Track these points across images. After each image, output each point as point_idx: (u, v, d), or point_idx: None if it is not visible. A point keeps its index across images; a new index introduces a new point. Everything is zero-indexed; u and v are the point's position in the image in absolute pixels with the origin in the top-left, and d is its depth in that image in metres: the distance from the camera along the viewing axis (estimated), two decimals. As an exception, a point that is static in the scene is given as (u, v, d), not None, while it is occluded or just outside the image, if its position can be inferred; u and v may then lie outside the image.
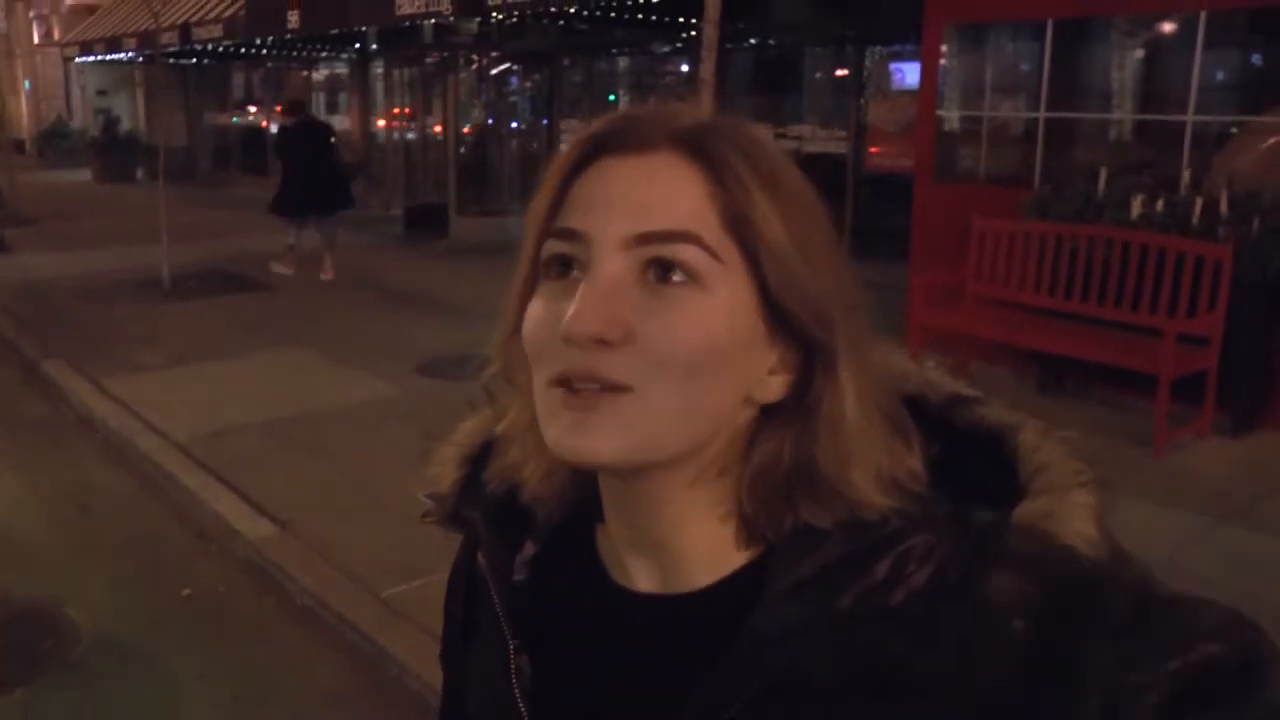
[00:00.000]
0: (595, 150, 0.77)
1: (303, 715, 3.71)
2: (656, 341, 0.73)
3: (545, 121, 15.05)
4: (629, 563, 0.87)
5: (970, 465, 0.81)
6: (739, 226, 0.75)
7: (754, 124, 0.82)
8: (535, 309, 0.78)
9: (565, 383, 0.75)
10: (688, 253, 0.74)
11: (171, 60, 19.96)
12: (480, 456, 0.94)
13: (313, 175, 10.81)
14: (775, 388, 0.79)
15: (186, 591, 4.56)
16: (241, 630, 4.26)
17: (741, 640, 0.77)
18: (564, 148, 0.80)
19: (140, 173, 21.36)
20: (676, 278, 0.74)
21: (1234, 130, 6.77)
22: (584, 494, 0.89)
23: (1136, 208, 6.37)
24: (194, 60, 21.40)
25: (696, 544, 0.83)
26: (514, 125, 15.74)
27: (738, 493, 0.81)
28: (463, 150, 14.99)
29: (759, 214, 0.75)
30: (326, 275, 10.98)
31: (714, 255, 0.74)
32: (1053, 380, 6.54)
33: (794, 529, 0.78)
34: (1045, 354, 6.36)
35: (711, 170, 0.75)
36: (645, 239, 0.74)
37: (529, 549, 0.92)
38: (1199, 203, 6.14)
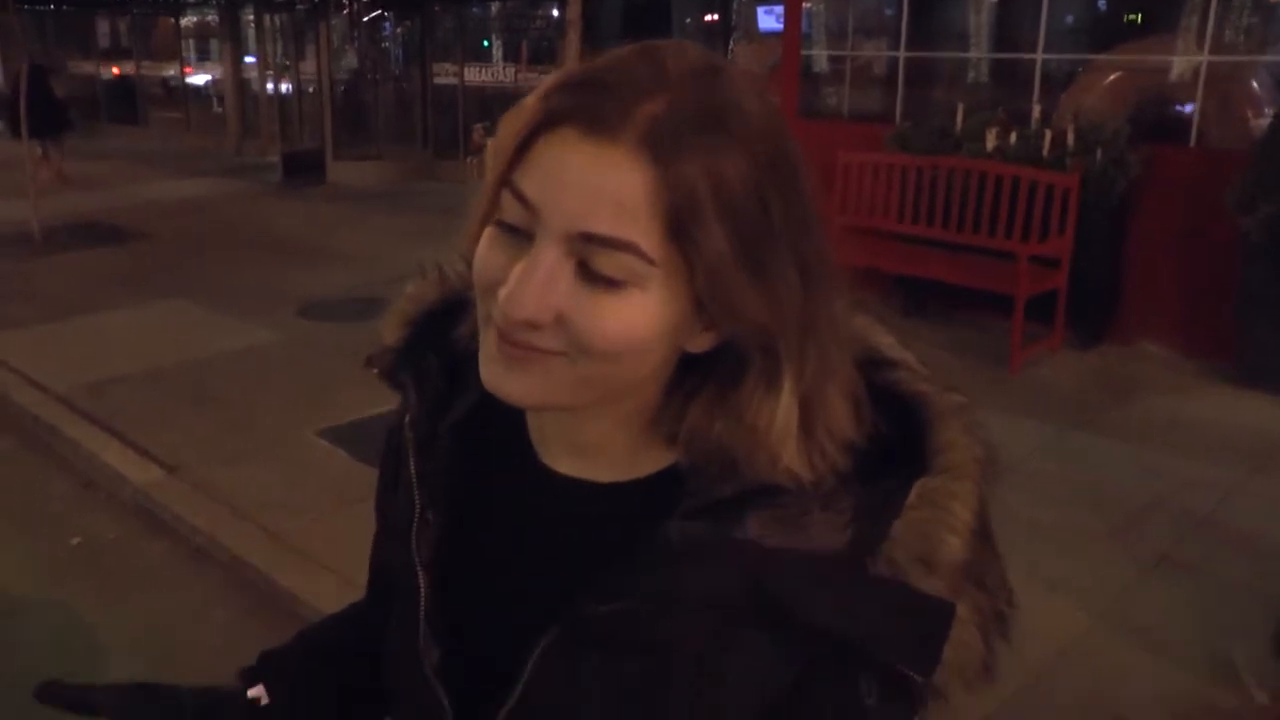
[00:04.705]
0: (559, 119, 0.76)
1: (201, 655, 3.65)
2: (584, 335, 0.76)
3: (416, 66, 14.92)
4: (552, 445, 0.92)
5: (880, 422, 0.83)
6: (680, 237, 0.74)
7: (752, 84, 0.79)
8: (484, 249, 0.81)
9: (497, 330, 0.79)
10: (625, 259, 0.74)
11: (27, 6, 19.11)
12: (424, 322, 0.99)
13: (39, 105, 12.56)
14: (706, 341, 0.81)
15: (76, 540, 4.54)
16: (135, 575, 4.27)
17: (650, 545, 0.81)
18: (531, 98, 0.79)
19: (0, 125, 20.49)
20: (612, 278, 0.75)
21: (1079, 69, 7.11)
22: None
23: (991, 141, 6.67)
24: (52, 6, 20.52)
25: (616, 450, 0.89)
26: (387, 70, 15.54)
27: (659, 412, 0.86)
28: (337, 96, 14.76)
29: (704, 229, 0.74)
30: (43, 176, 12.83)
31: (650, 262, 0.75)
32: (915, 304, 6.79)
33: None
34: (908, 278, 6.60)
35: (666, 177, 0.73)
36: (587, 238, 0.74)
37: (455, 414, 0.96)
38: (1048, 135, 6.46)
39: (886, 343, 0.89)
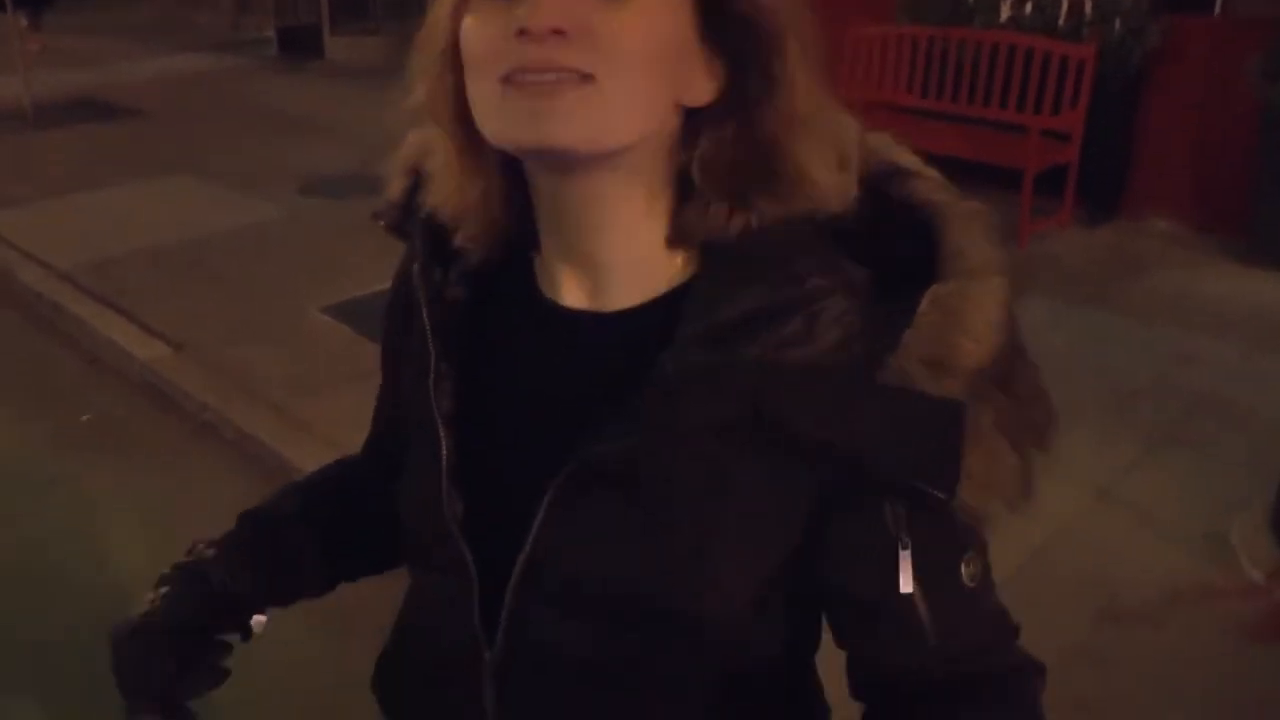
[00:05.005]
0: None
1: (209, 528, 3.72)
2: (615, 36, 0.75)
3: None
4: (560, 277, 0.90)
5: (895, 235, 0.84)
6: None
7: None
8: (474, 27, 0.80)
9: (514, 81, 0.77)
10: None
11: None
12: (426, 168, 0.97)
13: None
14: (705, 92, 0.82)
15: (86, 417, 4.58)
16: (145, 450, 4.31)
17: (650, 377, 0.80)
18: None
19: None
20: None
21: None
22: (518, 228, 0.92)
23: (1005, 10, 6.50)
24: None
25: (625, 261, 0.87)
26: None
27: (668, 204, 0.86)
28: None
29: None
30: (31, 49, 12.08)
31: None
32: (925, 178, 6.71)
33: (722, 258, 0.83)
34: (917, 152, 6.46)
35: None
36: None
37: (465, 264, 0.95)
38: (1065, 5, 6.30)
39: (906, 158, 0.89)
